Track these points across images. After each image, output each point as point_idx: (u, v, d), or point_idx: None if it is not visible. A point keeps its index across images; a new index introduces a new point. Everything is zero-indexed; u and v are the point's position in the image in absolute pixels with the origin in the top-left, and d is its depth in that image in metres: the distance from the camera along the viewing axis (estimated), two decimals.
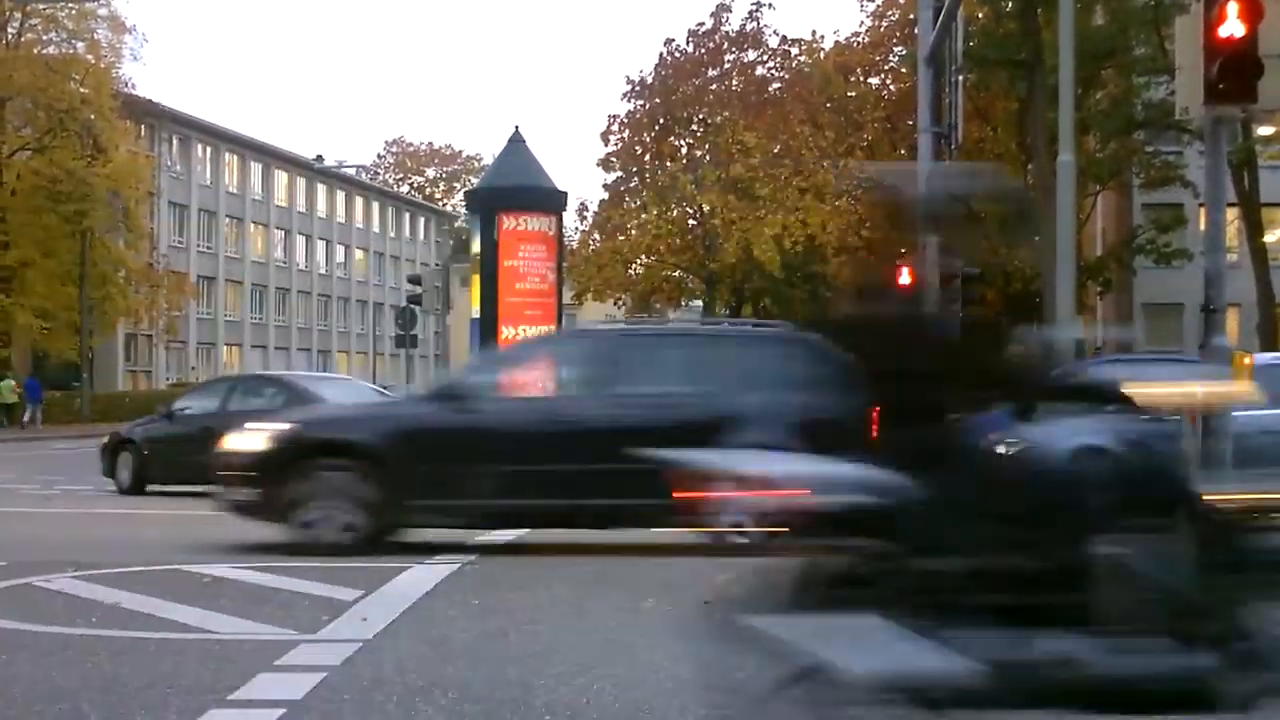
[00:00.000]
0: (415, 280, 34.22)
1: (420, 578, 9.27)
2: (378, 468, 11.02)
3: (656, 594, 8.53)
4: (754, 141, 49.32)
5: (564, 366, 12.14)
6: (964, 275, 21.43)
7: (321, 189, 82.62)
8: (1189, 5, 11.27)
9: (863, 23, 53.36)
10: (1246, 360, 11.89)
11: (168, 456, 18.34)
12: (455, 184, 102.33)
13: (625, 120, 54.04)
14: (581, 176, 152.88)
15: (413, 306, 37.12)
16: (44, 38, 49.42)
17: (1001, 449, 15.61)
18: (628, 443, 11.10)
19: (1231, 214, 33.01)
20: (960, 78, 21.72)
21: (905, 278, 21.93)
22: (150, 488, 18.55)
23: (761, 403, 11.23)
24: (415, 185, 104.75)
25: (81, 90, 47.62)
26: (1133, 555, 4.34)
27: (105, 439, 19.83)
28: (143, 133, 58.78)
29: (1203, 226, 10.07)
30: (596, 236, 54.75)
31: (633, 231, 52.33)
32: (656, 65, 53.98)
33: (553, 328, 29.29)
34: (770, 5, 65.74)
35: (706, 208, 50.93)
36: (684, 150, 54.32)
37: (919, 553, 4.31)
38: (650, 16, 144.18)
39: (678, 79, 53.35)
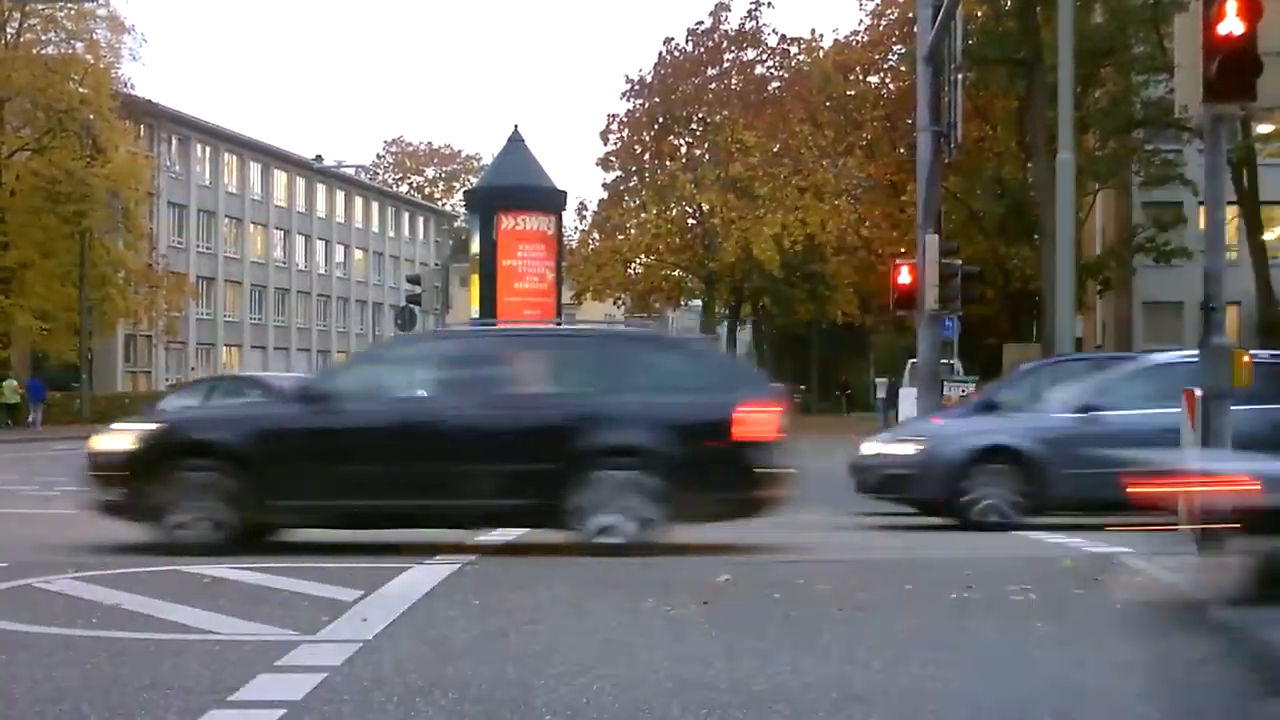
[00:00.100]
0: (414, 280, 34.20)
1: (420, 578, 9.27)
2: (240, 468, 11.11)
3: (656, 594, 8.53)
4: (753, 140, 49.34)
5: (427, 368, 12.17)
6: (963, 273, 21.47)
7: (321, 189, 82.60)
8: (1188, 3, 11.26)
9: (862, 21, 53.49)
10: (1245, 358, 11.88)
11: None
12: (454, 184, 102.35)
13: (624, 119, 54.07)
14: (581, 176, 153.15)
15: (412, 306, 37.11)
16: (43, 38, 49.40)
17: (900, 445, 15.48)
18: (488, 444, 11.22)
19: (1231, 212, 33.00)
20: (960, 76, 21.67)
21: (905, 276, 22.09)
22: None
23: (627, 403, 11.35)
24: (414, 185, 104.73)
25: (80, 90, 47.60)
26: None
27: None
28: (142, 133, 58.75)
29: (1202, 225, 10.07)
30: (596, 236, 54.79)
31: (632, 231, 52.35)
32: (656, 64, 54.06)
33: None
34: (769, 4, 65.94)
35: (706, 207, 50.95)
36: (683, 149, 54.35)
37: None
38: (649, 16, 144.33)
39: (677, 78, 53.36)
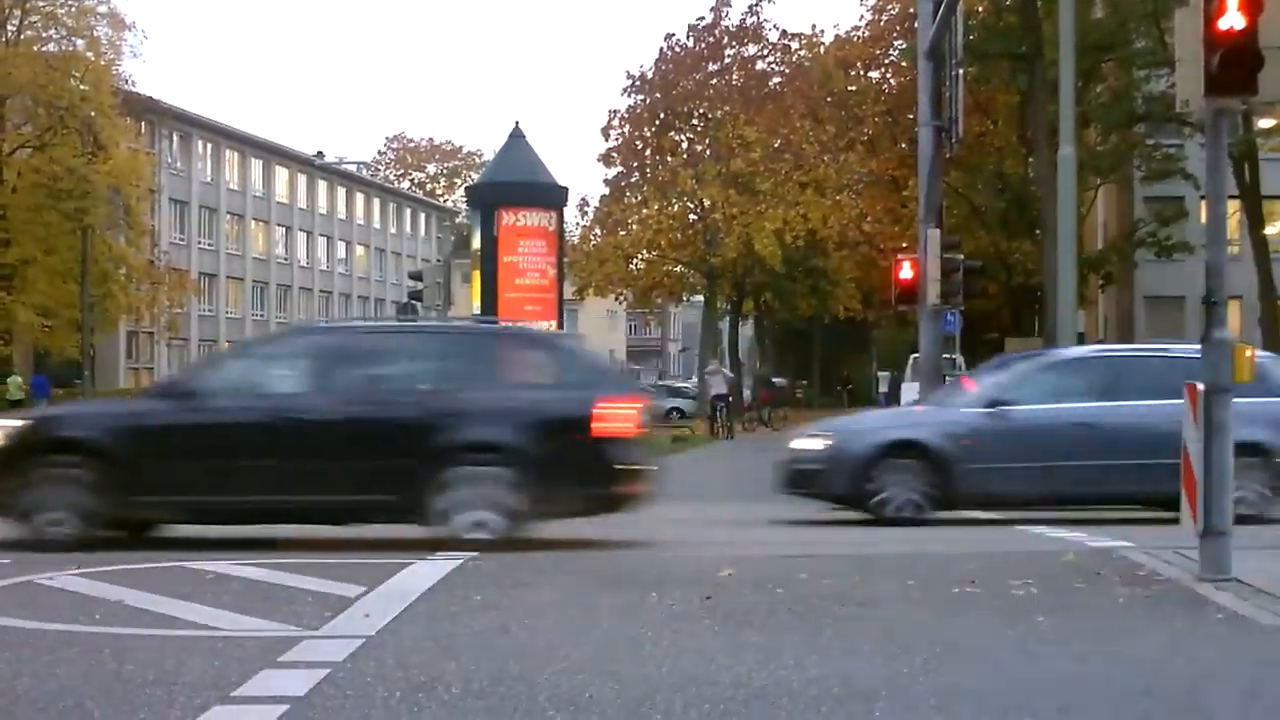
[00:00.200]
0: (416, 276, 34.11)
1: (423, 573, 9.28)
2: (105, 464, 11.23)
3: (659, 589, 8.54)
4: (754, 136, 49.31)
5: (292, 364, 12.25)
6: (965, 268, 21.46)
7: (322, 185, 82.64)
8: None
9: (863, 16, 53.38)
10: (1248, 353, 11.89)
11: None
12: (456, 180, 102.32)
13: (626, 115, 54.04)
14: (582, 172, 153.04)
15: (414, 302, 37.08)
16: (44, 35, 49.42)
17: (811, 441, 15.64)
18: (351, 440, 11.34)
19: (1233, 206, 33.01)
20: (961, 71, 21.64)
21: (907, 271, 22.13)
22: None
23: (488, 399, 11.44)
24: (416, 181, 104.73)
25: (81, 87, 47.62)
26: None
27: None
28: (143, 130, 58.79)
29: (1204, 219, 10.06)
30: (597, 231, 54.78)
31: (634, 226, 52.33)
32: (657, 60, 54.01)
33: (552, 322, 29.33)
34: None
35: (707, 202, 50.92)
36: (684, 145, 54.31)
37: None
38: (650, 11, 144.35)
39: (678, 74, 53.33)
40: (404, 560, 9.89)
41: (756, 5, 53.49)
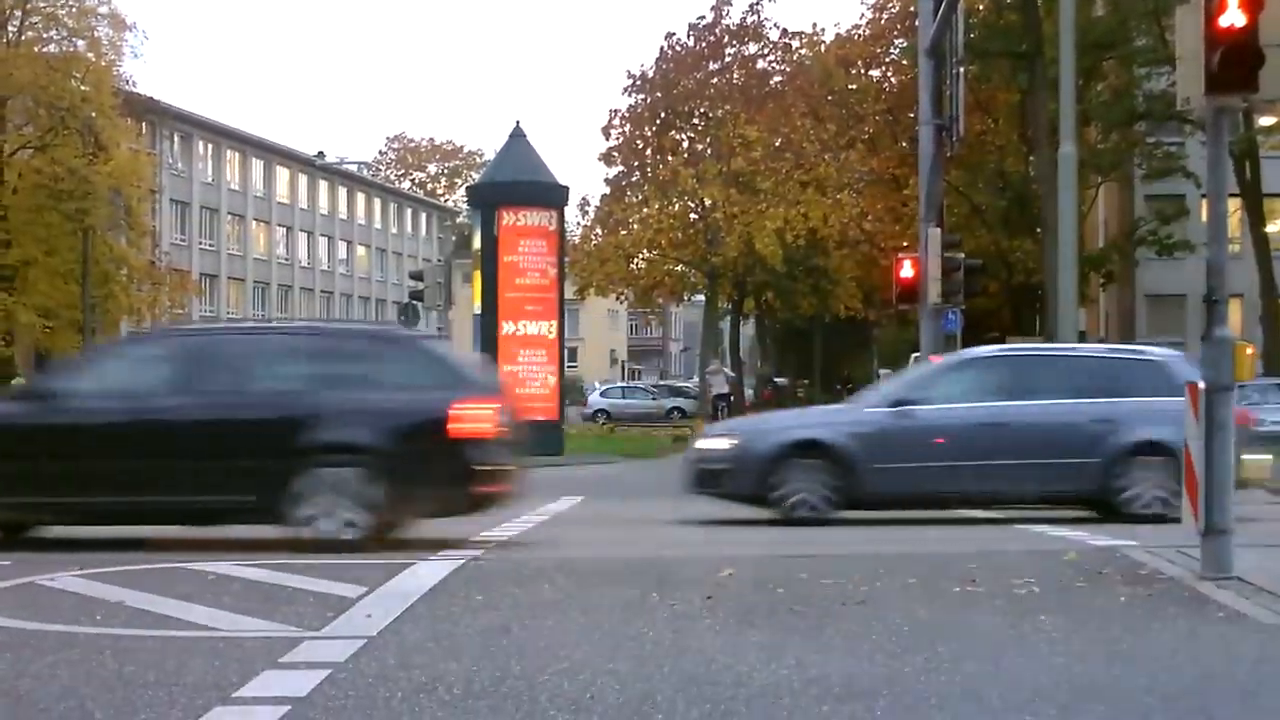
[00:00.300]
0: (417, 276, 34.10)
1: (424, 574, 9.29)
2: None
3: (660, 589, 8.54)
4: (755, 135, 49.25)
5: (152, 366, 12.27)
6: (966, 267, 21.47)
7: (323, 185, 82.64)
8: None
9: (863, 15, 53.25)
10: (1250, 351, 11.90)
11: None
12: (457, 179, 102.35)
13: (626, 115, 53.99)
14: (583, 171, 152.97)
15: (415, 303, 37.09)
16: (44, 36, 49.36)
17: (717, 440, 15.84)
18: (208, 441, 11.40)
19: (1234, 204, 33.08)
20: (961, 70, 21.66)
21: (907, 270, 22.17)
22: None
23: (346, 400, 11.49)
24: (417, 181, 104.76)
25: (82, 88, 47.58)
26: None
27: None
28: (144, 130, 58.74)
29: (1204, 217, 10.06)
30: (598, 231, 54.71)
31: (634, 226, 52.27)
32: (657, 59, 53.94)
33: (553, 322, 29.33)
34: None
35: (708, 202, 50.87)
36: (685, 144, 54.25)
37: None
38: (651, 10, 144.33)
39: (679, 73, 53.28)
40: (405, 561, 9.90)
41: (757, 4, 53.45)
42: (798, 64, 53.44)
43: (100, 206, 47.96)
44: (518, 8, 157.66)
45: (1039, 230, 37.98)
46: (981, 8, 42.08)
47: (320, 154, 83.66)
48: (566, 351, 32.33)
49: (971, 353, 16.33)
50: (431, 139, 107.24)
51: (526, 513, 14.41)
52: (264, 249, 75.74)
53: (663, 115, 53.51)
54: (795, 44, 53.85)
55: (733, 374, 52.28)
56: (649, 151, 53.96)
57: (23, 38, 48.59)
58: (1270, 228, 40.22)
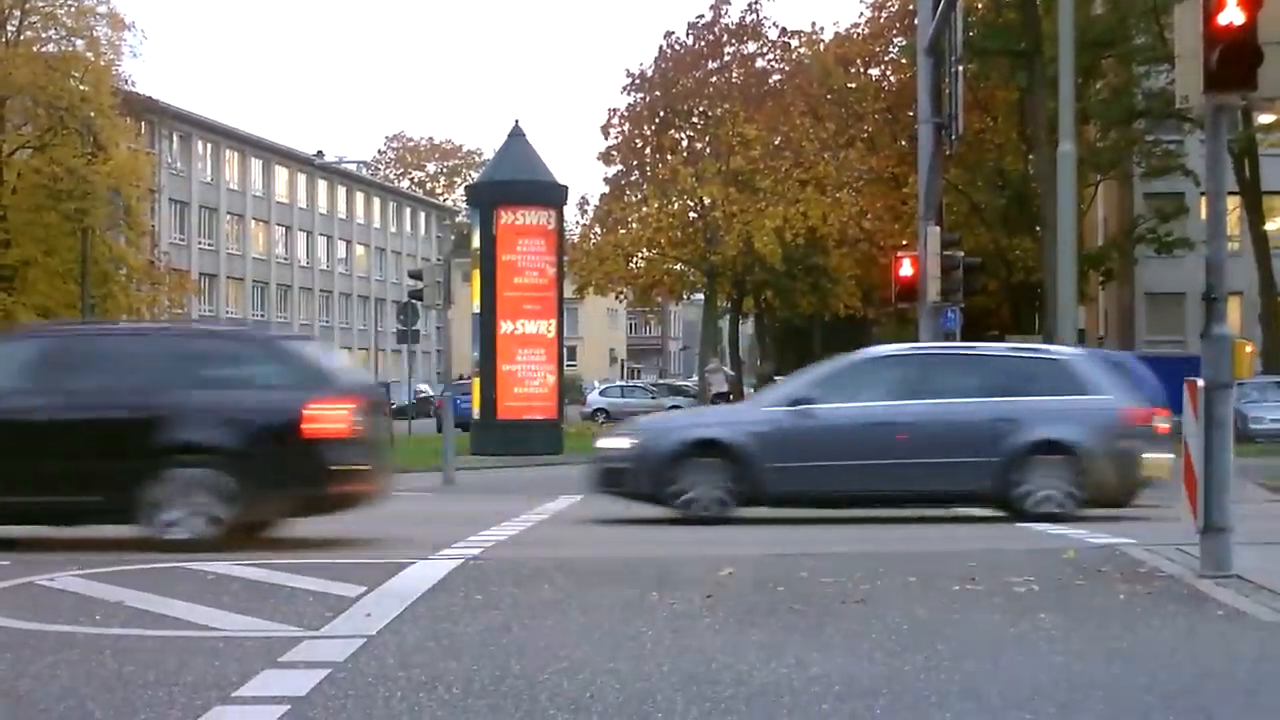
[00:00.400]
0: (416, 275, 34.02)
1: (423, 573, 9.28)
2: None
3: (660, 588, 8.54)
4: (754, 134, 49.26)
5: (9, 365, 12.19)
6: (965, 265, 21.46)
7: (322, 185, 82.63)
8: None
9: (862, 14, 53.24)
10: (1249, 349, 11.90)
11: None
12: (456, 179, 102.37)
13: (625, 114, 54.00)
14: (582, 170, 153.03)
15: (414, 302, 37.08)
16: (43, 35, 49.33)
17: (619, 440, 15.79)
18: (60, 441, 11.42)
19: (1233, 202, 33.01)
20: (960, 68, 21.65)
21: (907, 268, 22.15)
22: None
23: (199, 400, 11.51)
24: (416, 180, 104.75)
25: (81, 88, 47.54)
26: None
27: None
28: (143, 130, 58.73)
29: (1204, 215, 10.06)
30: (597, 230, 54.71)
31: (633, 225, 52.28)
32: (656, 58, 53.95)
33: (552, 321, 29.32)
34: None
35: (707, 200, 50.87)
36: (684, 143, 54.26)
37: None
38: (650, 9, 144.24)
39: (678, 72, 53.28)
40: (405, 560, 9.91)
41: (756, 3, 53.46)
42: (797, 63, 53.44)
43: (99, 206, 47.93)
44: (516, 7, 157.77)
45: (1038, 228, 37.99)
46: (980, 6, 42.08)
47: (319, 153, 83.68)
48: (565, 350, 32.33)
49: (872, 351, 16.30)
50: (430, 138, 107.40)
51: (526, 512, 14.43)
52: (263, 248, 75.73)
53: (662, 114, 53.52)
54: (794, 43, 53.88)
55: (732, 373, 52.24)
56: (648, 150, 53.96)
57: (21, 37, 48.55)
58: (1269, 225, 40.21)
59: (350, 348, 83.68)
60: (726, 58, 53.85)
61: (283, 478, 11.32)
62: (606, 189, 55.21)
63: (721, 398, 41.50)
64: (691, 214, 52.35)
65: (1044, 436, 13.83)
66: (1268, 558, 9.44)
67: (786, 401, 14.40)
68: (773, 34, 53.93)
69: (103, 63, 48.68)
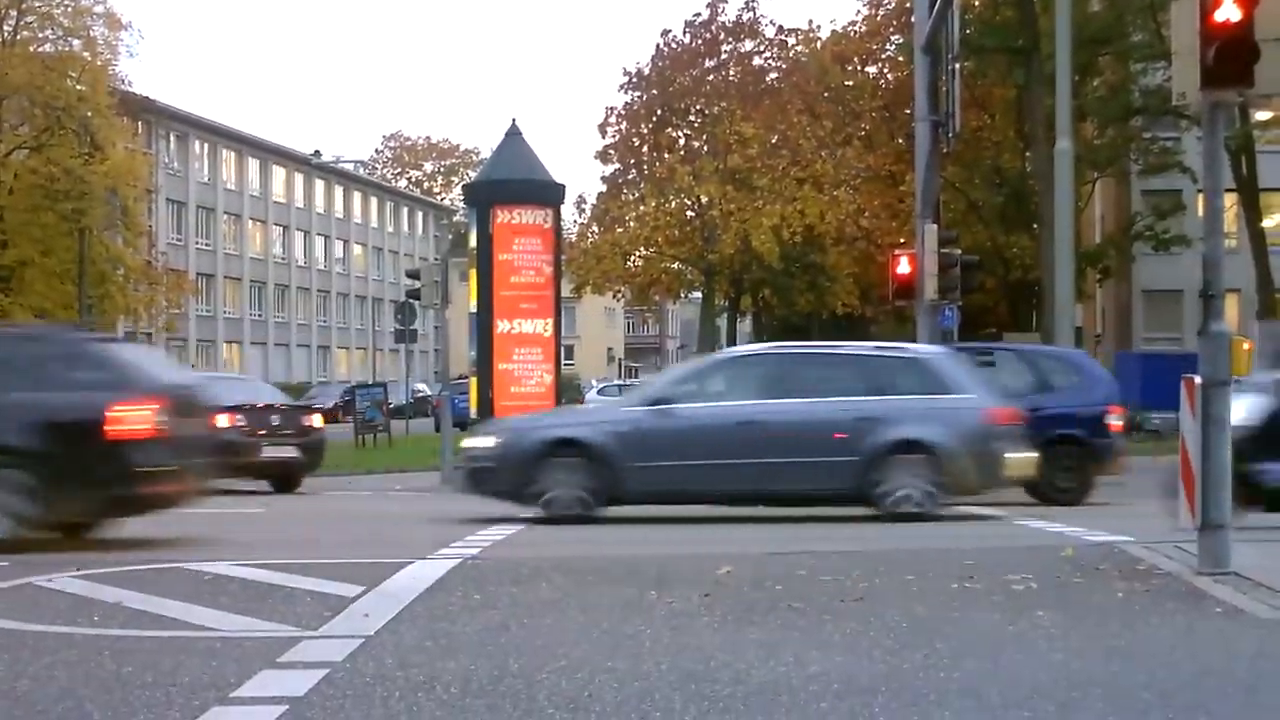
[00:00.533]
0: (414, 275, 34.04)
1: (421, 573, 9.28)
2: None
3: (658, 587, 8.54)
4: (752, 132, 49.26)
5: None
6: (963, 263, 21.46)
7: (319, 184, 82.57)
8: None
9: (859, 11, 53.29)
10: (1246, 346, 11.90)
11: None
12: (453, 178, 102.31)
13: (623, 112, 54.00)
14: (580, 169, 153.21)
15: (412, 301, 37.06)
16: (40, 35, 49.30)
17: (483, 439, 15.68)
18: None
19: (1230, 199, 33.04)
20: (957, 66, 21.64)
21: (904, 266, 22.19)
22: None
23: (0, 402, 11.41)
24: (413, 179, 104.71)
25: (78, 88, 47.51)
26: None
27: None
28: (140, 130, 58.67)
29: (1201, 212, 10.06)
30: (595, 229, 54.72)
31: (631, 223, 52.30)
32: (653, 57, 53.96)
33: (549, 320, 29.29)
34: None
35: (705, 199, 50.88)
36: (682, 142, 54.27)
37: None
38: (647, 8, 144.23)
39: (675, 70, 53.29)
40: (403, 560, 9.90)
41: (752, 1, 53.50)
42: (794, 61, 53.44)
43: (96, 206, 47.91)
44: (514, 6, 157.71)
45: (1036, 226, 37.97)
46: (978, 3, 42.06)
47: (316, 153, 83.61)
48: (563, 349, 32.30)
49: (733, 351, 16.36)
50: (428, 137, 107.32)
51: (524, 512, 14.40)
52: (260, 248, 75.68)
53: (659, 113, 53.52)
54: (791, 41, 53.88)
55: None
56: (645, 149, 53.97)
57: (18, 37, 48.53)
58: (1267, 222, 40.18)
59: (348, 347, 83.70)
60: (723, 56, 53.86)
61: (88, 478, 11.29)
62: (604, 188, 55.24)
63: None
64: (689, 212, 52.36)
65: (904, 436, 13.82)
66: (1265, 555, 9.44)
67: (647, 401, 14.44)
68: (769, 32, 53.97)
69: (99, 63, 48.65)
